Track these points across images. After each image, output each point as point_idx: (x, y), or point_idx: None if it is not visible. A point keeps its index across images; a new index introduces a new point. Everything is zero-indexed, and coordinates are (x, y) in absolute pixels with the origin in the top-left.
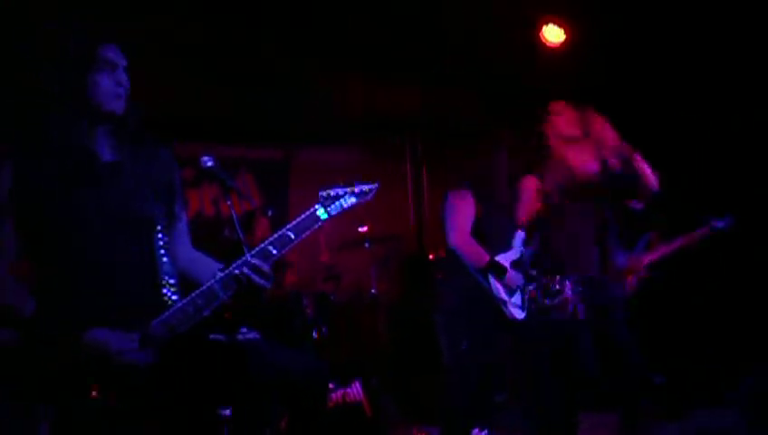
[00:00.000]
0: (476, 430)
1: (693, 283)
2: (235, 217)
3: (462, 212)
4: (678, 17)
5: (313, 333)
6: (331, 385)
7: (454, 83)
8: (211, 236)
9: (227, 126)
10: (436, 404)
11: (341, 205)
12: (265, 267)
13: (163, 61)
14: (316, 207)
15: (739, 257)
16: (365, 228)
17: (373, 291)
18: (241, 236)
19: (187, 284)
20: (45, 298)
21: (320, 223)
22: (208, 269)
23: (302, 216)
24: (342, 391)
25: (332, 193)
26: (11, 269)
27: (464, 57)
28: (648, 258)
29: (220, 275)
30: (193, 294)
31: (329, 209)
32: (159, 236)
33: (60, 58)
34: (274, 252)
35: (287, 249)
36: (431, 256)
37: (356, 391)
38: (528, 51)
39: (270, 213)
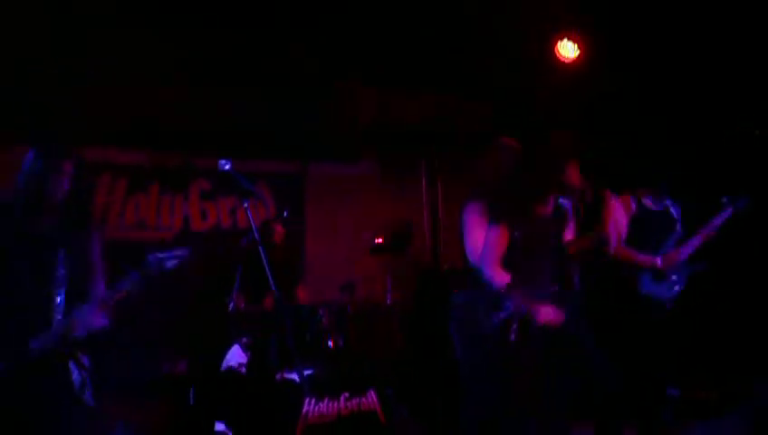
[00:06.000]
0: None
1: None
2: (251, 219)
3: (480, 229)
4: (691, 32)
5: (329, 343)
6: (346, 394)
7: (469, 97)
8: (229, 247)
9: (243, 140)
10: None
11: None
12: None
13: (180, 76)
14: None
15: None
16: (380, 240)
17: (388, 301)
18: (257, 237)
19: None
20: None
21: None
22: None
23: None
24: (357, 400)
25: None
26: None
27: (479, 71)
28: (683, 254)
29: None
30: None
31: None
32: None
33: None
34: (108, 299)
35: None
36: (445, 267)
37: (371, 399)
38: (543, 65)
39: (285, 214)
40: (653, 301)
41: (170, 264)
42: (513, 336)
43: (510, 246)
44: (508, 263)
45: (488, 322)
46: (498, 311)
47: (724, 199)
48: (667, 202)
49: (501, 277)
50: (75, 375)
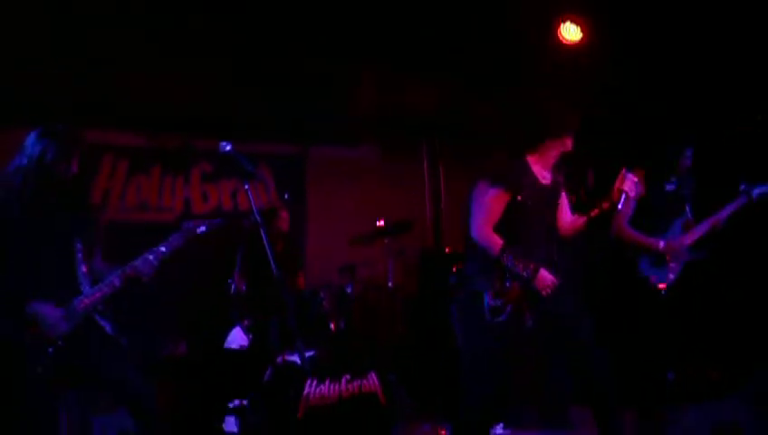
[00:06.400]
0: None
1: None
2: (252, 201)
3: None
4: (695, 13)
5: (330, 325)
6: (347, 376)
7: (470, 81)
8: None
9: (245, 122)
10: (456, 400)
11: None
12: (154, 262)
13: (181, 60)
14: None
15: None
16: (381, 223)
17: (390, 284)
18: (258, 219)
19: None
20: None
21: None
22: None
23: (174, 235)
24: (358, 382)
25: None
26: None
27: (480, 54)
28: (688, 239)
29: (119, 269)
30: (102, 284)
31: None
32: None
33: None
34: (164, 250)
35: (173, 250)
36: (447, 250)
37: (372, 381)
38: (545, 49)
39: (286, 196)
40: (649, 285)
41: (202, 229)
42: (504, 317)
43: (508, 213)
44: (505, 231)
45: (487, 303)
46: (495, 280)
47: (743, 186)
48: (679, 183)
49: (495, 239)
50: (105, 324)
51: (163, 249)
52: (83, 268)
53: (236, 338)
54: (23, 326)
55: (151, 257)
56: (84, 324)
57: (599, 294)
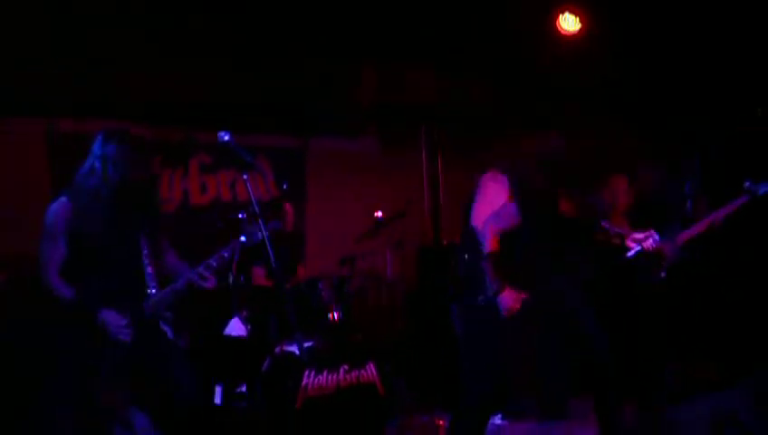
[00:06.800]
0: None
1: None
2: (251, 191)
3: (493, 196)
4: (694, 3)
5: (329, 316)
6: (345, 366)
7: (468, 71)
8: (228, 220)
9: (244, 114)
10: (455, 391)
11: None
12: (207, 274)
13: (182, 51)
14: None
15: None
16: (380, 214)
17: (389, 275)
18: (257, 210)
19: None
20: (79, 289)
21: (239, 245)
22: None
23: (234, 241)
24: (357, 373)
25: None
26: (58, 270)
27: (478, 45)
28: (682, 237)
29: (184, 276)
30: (167, 289)
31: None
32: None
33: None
34: (214, 264)
35: (222, 262)
36: (446, 243)
37: (370, 372)
38: (544, 39)
39: (285, 186)
40: (646, 282)
41: (243, 239)
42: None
43: (516, 233)
44: (507, 245)
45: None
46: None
47: (747, 184)
48: (681, 179)
49: (492, 243)
50: (166, 328)
51: (225, 254)
52: (149, 269)
53: (235, 328)
54: (94, 332)
55: (214, 263)
56: (148, 329)
57: (599, 290)
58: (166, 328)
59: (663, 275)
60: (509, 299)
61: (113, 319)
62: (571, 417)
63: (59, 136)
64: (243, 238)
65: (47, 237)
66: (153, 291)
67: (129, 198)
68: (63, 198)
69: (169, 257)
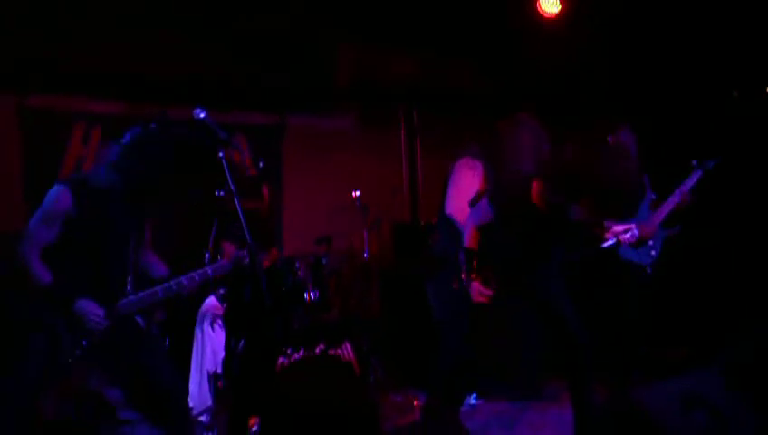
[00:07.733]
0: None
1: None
2: (226, 168)
3: (468, 183)
4: None
5: (305, 295)
6: (321, 345)
7: (449, 52)
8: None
9: (222, 91)
10: (429, 370)
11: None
12: (189, 286)
13: (159, 25)
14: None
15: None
16: (358, 193)
17: (365, 255)
18: (233, 187)
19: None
20: (58, 276)
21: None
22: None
23: (222, 262)
24: (333, 352)
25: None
26: (41, 254)
27: (459, 25)
28: (657, 217)
29: (166, 284)
30: (146, 293)
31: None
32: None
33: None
34: (197, 279)
35: (206, 279)
36: (423, 223)
37: (346, 351)
38: (525, 20)
39: (261, 164)
40: (634, 266)
41: (246, 262)
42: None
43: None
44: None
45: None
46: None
47: (694, 162)
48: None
49: (470, 239)
50: (138, 319)
51: (210, 272)
52: (131, 261)
53: (211, 307)
54: (67, 318)
55: (197, 278)
56: (121, 321)
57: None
58: (138, 319)
59: (654, 253)
60: (476, 293)
61: (91, 308)
62: (544, 397)
63: (31, 111)
64: (228, 265)
65: (43, 218)
66: (128, 287)
67: (141, 199)
68: (67, 186)
69: (148, 255)
